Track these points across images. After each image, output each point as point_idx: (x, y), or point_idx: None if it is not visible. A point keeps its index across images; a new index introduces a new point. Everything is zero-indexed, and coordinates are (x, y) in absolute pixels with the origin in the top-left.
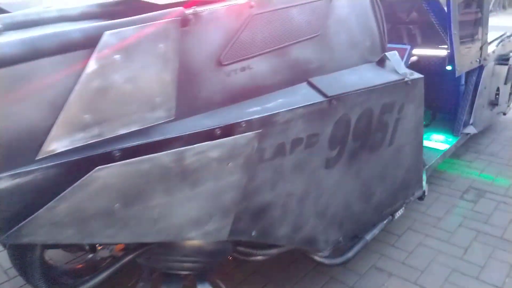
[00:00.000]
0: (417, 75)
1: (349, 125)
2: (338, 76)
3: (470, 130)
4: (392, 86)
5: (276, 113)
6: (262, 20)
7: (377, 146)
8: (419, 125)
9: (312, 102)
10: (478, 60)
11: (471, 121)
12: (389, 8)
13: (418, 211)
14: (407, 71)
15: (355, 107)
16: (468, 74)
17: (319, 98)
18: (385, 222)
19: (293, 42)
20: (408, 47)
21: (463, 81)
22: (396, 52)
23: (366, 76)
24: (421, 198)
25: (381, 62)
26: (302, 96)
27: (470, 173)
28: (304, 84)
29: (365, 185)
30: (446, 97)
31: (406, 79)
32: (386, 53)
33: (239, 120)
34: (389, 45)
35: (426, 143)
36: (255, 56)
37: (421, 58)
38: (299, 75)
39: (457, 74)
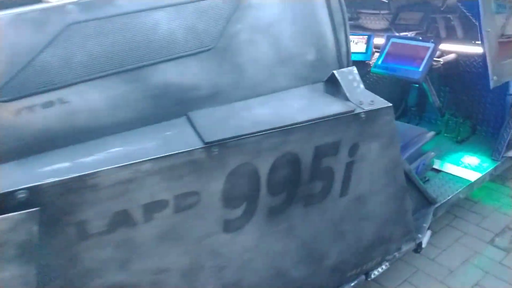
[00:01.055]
0: (381, 103)
1: (257, 176)
2: (239, 108)
3: None
4: (332, 121)
5: (91, 173)
6: (87, 31)
7: (318, 198)
8: (395, 166)
9: (175, 152)
10: None
11: None
12: None
13: (425, 257)
14: (367, 97)
15: (263, 154)
16: None
17: (191, 144)
18: (352, 284)
19: (157, 61)
20: (432, 45)
21: (511, 90)
22: (353, 68)
23: (290, 107)
24: (416, 250)
25: (329, 84)
26: (163, 140)
27: None
28: (182, 120)
29: (308, 245)
30: (491, 107)
31: (358, 110)
32: (336, 71)
33: (16, 188)
34: (408, 42)
35: (451, 167)
36: (74, 84)
37: (460, 56)
38: (171, 107)
39: (492, 86)
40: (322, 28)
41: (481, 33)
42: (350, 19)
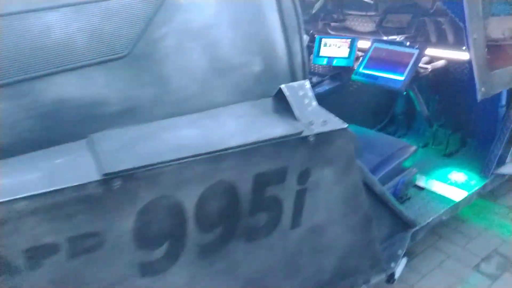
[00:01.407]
0: (335, 124)
1: (181, 210)
2: (160, 129)
3: (509, 170)
4: (275, 145)
5: None
6: None
7: (265, 232)
8: (357, 193)
9: (60, 187)
10: None
11: (510, 157)
12: None
13: (404, 283)
14: (320, 117)
15: (187, 184)
16: None
17: (84, 176)
18: None
19: (48, 72)
20: (416, 51)
21: (503, 102)
22: (304, 82)
23: (224, 128)
24: (389, 281)
25: (277, 100)
26: (49, 170)
27: (503, 227)
28: (80, 144)
29: (256, 283)
30: (482, 119)
31: (306, 132)
32: (284, 86)
33: None
34: (391, 47)
35: (436, 184)
36: None
37: (451, 63)
38: (67, 128)
39: (479, 98)
40: (271, 34)
41: (467, 40)
42: (335, 21)
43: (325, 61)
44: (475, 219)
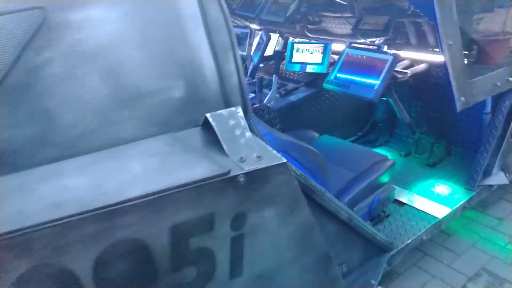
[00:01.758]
0: (271, 159)
1: (73, 279)
2: (36, 179)
3: (496, 180)
4: (194, 190)
5: None
6: None
7: (196, 286)
8: (309, 232)
9: None
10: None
11: (497, 167)
12: None
13: None
14: (253, 150)
15: (74, 248)
16: (499, 97)
17: None
18: None
19: None
20: (390, 58)
21: (488, 108)
22: (236, 110)
23: (124, 173)
24: None
25: (203, 131)
26: None
27: (492, 241)
28: None
29: None
30: (466, 125)
31: (235, 171)
32: (210, 115)
33: None
34: (364, 53)
35: (418, 200)
36: None
37: (432, 66)
38: None
39: (458, 108)
40: (195, 52)
41: (441, 46)
42: (311, 23)
43: (298, 68)
44: (462, 232)
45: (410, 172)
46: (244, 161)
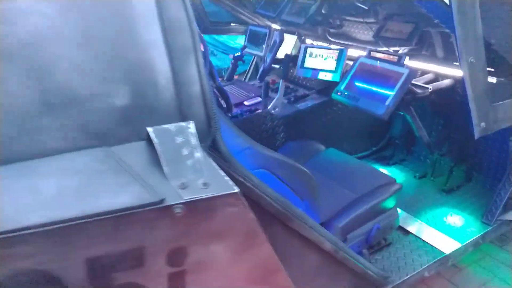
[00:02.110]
0: (220, 187)
1: None
2: None
3: None
4: (118, 219)
5: None
6: None
7: None
8: (270, 274)
9: None
10: None
11: None
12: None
13: None
14: (200, 175)
15: None
16: None
17: None
18: None
19: None
20: (406, 71)
21: None
22: (188, 124)
23: (30, 195)
24: None
25: (146, 148)
26: None
27: (508, 283)
28: None
29: None
30: (491, 151)
31: (170, 201)
32: (151, 129)
33: None
34: (378, 64)
35: (426, 229)
36: None
37: (459, 83)
38: None
39: (477, 135)
40: (146, 54)
41: (460, 63)
42: (332, 27)
43: (309, 74)
44: (474, 268)
45: (422, 197)
46: (186, 187)
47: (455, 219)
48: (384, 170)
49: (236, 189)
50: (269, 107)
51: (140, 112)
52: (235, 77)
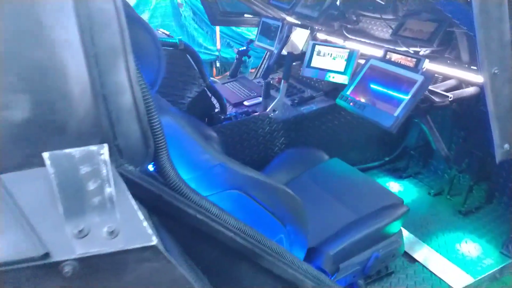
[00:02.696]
0: (133, 238)
1: None
2: None
3: None
4: None
5: None
6: None
7: None
8: None
9: None
10: None
11: None
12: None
13: None
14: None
15: None
16: None
17: None
18: None
19: None
20: (421, 78)
21: None
22: (100, 148)
23: None
24: None
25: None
26: None
27: None
28: None
29: None
30: None
31: (60, 257)
32: (47, 154)
33: None
34: (391, 68)
35: (434, 258)
36: None
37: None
38: None
39: (498, 158)
40: (56, 55)
41: (481, 72)
42: (348, 22)
43: (316, 74)
44: None
45: (435, 218)
46: (84, 236)
47: (470, 247)
48: (396, 183)
49: (154, 241)
50: (268, 109)
51: (43, 130)
52: (254, 70)
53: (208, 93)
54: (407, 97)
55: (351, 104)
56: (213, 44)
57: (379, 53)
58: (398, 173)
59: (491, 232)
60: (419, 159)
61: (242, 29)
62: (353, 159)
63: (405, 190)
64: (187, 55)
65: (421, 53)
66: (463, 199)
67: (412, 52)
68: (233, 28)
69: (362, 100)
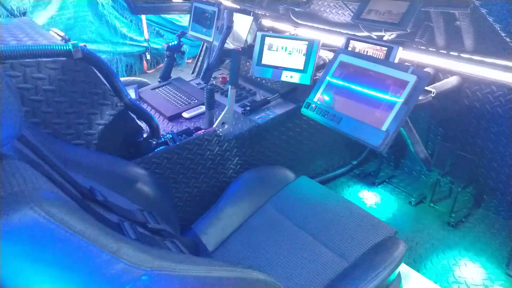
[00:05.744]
0: None
1: None
2: None
3: None
4: None
5: None
6: None
7: None
8: None
9: None
10: None
11: None
12: None
13: None
14: None
15: None
16: None
17: None
18: None
19: None
20: (413, 78)
21: None
22: None
23: None
24: None
25: None
26: None
27: None
28: None
29: None
30: (506, 168)
31: None
32: None
33: None
34: (369, 65)
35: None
36: None
37: (470, 81)
38: None
39: None
40: None
41: None
42: (296, 5)
43: (269, 74)
44: None
45: (423, 235)
46: None
47: (472, 272)
48: (369, 192)
49: None
50: (215, 124)
51: None
52: (192, 60)
53: (131, 114)
54: (397, 105)
55: (321, 114)
56: (140, 34)
57: (336, 41)
58: (369, 179)
59: (488, 246)
60: (389, 160)
61: (172, 15)
62: (319, 167)
63: (382, 201)
64: (91, 66)
65: (385, 38)
66: (450, 207)
67: (375, 37)
68: (161, 14)
69: (336, 108)
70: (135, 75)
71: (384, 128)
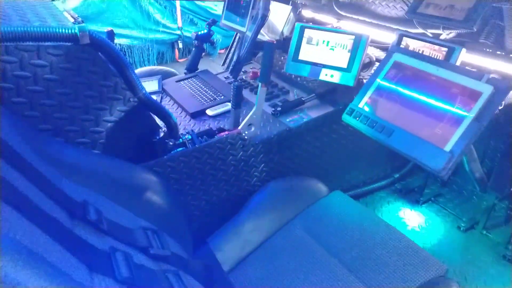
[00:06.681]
0: None
1: None
2: None
3: None
4: None
5: None
6: None
7: None
8: None
9: None
10: None
11: None
12: None
13: None
14: None
15: None
16: None
17: None
18: None
19: None
20: (489, 89)
21: None
22: None
23: None
24: None
25: None
26: None
27: None
28: None
29: None
30: None
31: None
32: None
33: None
34: (432, 69)
35: None
36: None
37: None
38: None
39: None
40: None
41: None
42: None
43: (306, 71)
44: None
45: (473, 270)
46: None
47: None
48: (412, 212)
49: None
50: (240, 126)
51: None
52: (225, 51)
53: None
54: (465, 120)
55: (367, 124)
56: (174, 21)
57: (384, 37)
58: (413, 196)
59: None
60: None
61: (207, 3)
62: (355, 178)
63: (426, 223)
64: (99, 54)
65: (442, 36)
66: (507, 238)
67: (430, 35)
68: (196, 1)
69: (386, 118)
70: (166, 64)
71: (447, 148)
